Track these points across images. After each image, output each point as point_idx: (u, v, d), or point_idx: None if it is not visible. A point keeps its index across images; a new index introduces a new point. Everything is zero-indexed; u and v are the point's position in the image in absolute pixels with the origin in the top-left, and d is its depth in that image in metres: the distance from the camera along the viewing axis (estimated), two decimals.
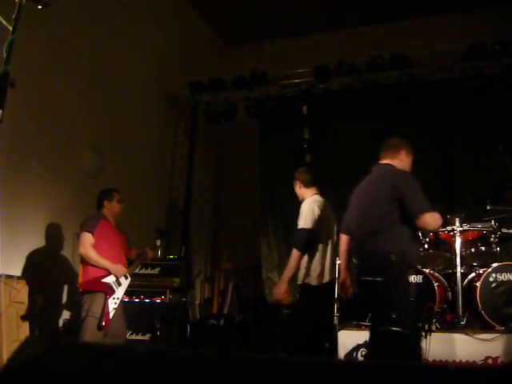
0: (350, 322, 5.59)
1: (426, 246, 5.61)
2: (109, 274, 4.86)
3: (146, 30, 7.38)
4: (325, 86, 7.54)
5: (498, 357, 4.77)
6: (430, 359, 4.93)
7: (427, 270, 5.47)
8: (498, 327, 4.97)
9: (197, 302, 8.14)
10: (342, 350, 5.27)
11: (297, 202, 7.84)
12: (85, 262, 4.85)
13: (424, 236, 5.62)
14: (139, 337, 5.90)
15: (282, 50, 8.52)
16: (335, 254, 5.04)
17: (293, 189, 7.83)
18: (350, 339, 5.29)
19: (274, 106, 7.73)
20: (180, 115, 8.38)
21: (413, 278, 5.43)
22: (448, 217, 5.58)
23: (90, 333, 4.65)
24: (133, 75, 7.15)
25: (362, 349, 5.21)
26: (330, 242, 5.19)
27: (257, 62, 7.89)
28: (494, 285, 5.18)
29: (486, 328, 5.02)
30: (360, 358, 5.21)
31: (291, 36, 8.58)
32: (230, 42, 9.33)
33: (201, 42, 8.89)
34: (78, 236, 5.04)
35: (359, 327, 5.43)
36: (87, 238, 4.81)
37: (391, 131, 7.42)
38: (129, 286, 5.14)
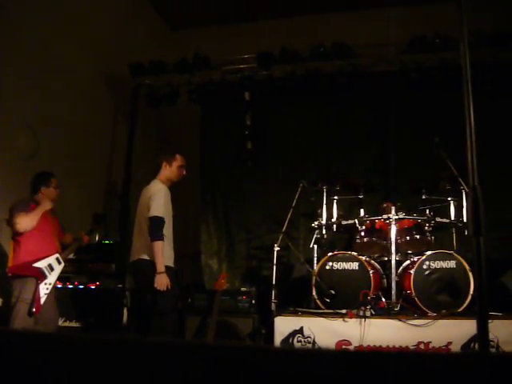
0: (286, 308, 5.62)
1: (363, 233, 5.70)
2: (41, 258, 4.71)
3: (88, 8, 7.14)
4: (268, 73, 7.50)
5: (429, 342, 4.91)
6: (365, 345, 5.04)
7: (363, 258, 5.56)
8: (430, 313, 5.10)
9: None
10: (279, 336, 5.30)
11: (238, 189, 7.89)
12: (16, 246, 4.67)
13: (361, 224, 5.71)
14: (72, 324, 5.75)
15: (226, 35, 8.43)
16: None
17: (235, 176, 7.86)
18: (286, 325, 5.32)
19: (216, 92, 7.65)
20: (120, 98, 8.18)
21: (349, 265, 5.52)
22: (384, 205, 5.69)
23: (20, 319, 4.49)
24: (71, 54, 6.91)
25: (298, 335, 5.26)
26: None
27: (201, 46, 7.78)
28: (427, 272, 5.31)
29: (419, 314, 5.15)
30: (296, 343, 5.25)
31: (236, 22, 8.51)
32: (174, 25, 9.18)
33: (145, 25, 8.69)
34: (6, 222, 4.83)
35: (296, 313, 5.47)
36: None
37: (332, 120, 7.56)
38: (62, 272, 4.99)
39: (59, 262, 4.90)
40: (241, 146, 7.62)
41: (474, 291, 5.20)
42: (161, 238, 4.82)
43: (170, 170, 5.20)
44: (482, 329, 1.74)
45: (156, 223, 4.85)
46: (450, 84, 6.98)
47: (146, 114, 8.28)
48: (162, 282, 4.74)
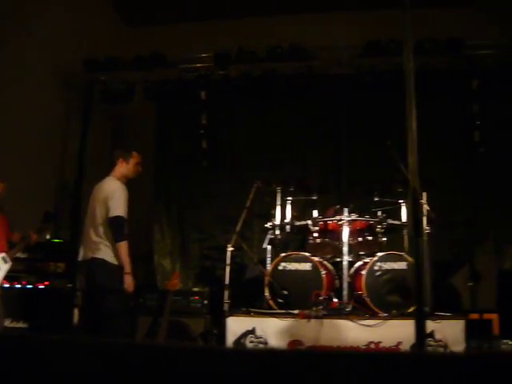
0: (239, 309, 5.62)
1: (316, 234, 5.74)
2: None
3: (44, 2, 6.97)
4: (225, 73, 7.48)
5: (379, 342, 4.98)
6: (317, 345, 5.07)
7: (316, 258, 5.59)
8: (381, 314, 5.17)
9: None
10: (231, 336, 5.28)
11: (193, 189, 7.84)
12: None
13: (314, 225, 5.75)
14: (20, 324, 5.60)
15: (184, 34, 8.36)
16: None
17: (189, 175, 7.81)
18: (239, 325, 5.30)
19: (173, 90, 7.58)
20: (74, 94, 8.01)
21: (301, 266, 5.55)
22: (337, 207, 5.75)
23: None
24: (24, 49, 6.73)
25: (250, 335, 5.25)
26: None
27: (158, 44, 7.70)
28: (378, 273, 5.38)
29: (370, 314, 5.22)
30: (248, 344, 5.24)
31: (194, 21, 8.45)
32: (132, 22, 9.04)
33: (102, 21, 8.53)
34: None
35: (248, 313, 5.46)
36: None
37: (288, 121, 7.60)
38: (10, 271, 4.86)
39: (5, 261, 4.77)
40: (196, 146, 7.57)
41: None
42: (125, 238, 4.77)
43: (126, 167, 5.11)
44: (420, 329, 1.77)
45: (119, 223, 4.78)
46: (403, 88, 7.14)
47: (100, 111, 8.14)
48: (130, 282, 4.71)
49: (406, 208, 1.96)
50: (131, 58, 7.60)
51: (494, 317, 6.12)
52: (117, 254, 4.75)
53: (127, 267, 4.71)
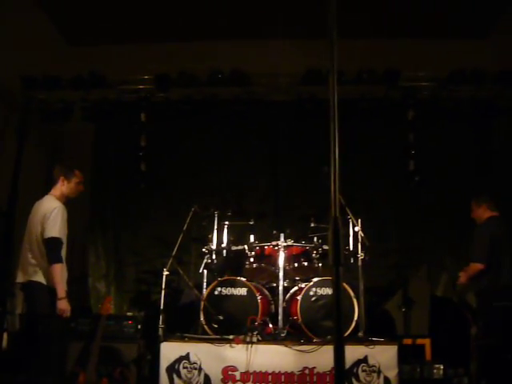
0: (173, 334, 5.53)
1: (252, 259, 5.74)
2: None
3: None
4: (165, 96, 7.45)
5: (314, 367, 4.99)
6: (251, 370, 5.04)
7: (252, 283, 5.59)
8: (315, 339, 5.18)
9: (18, 312, 7.58)
10: (165, 362, 5.19)
11: (130, 211, 7.72)
12: None
13: (250, 250, 5.74)
14: None
15: (125, 55, 8.27)
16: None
17: (127, 197, 7.68)
18: (173, 351, 5.22)
19: (112, 111, 7.48)
20: (11, 112, 7.80)
21: (237, 291, 5.53)
22: (274, 232, 5.77)
23: None
24: None
25: (184, 361, 5.17)
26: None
27: (98, 65, 7.60)
28: (313, 298, 5.41)
29: (305, 340, 5.22)
30: (182, 370, 5.17)
31: (135, 43, 8.38)
32: (73, 42, 8.89)
33: (42, 39, 8.35)
34: None
35: (182, 339, 5.39)
36: None
37: (227, 146, 7.62)
38: None
39: None
40: (134, 168, 7.47)
41: (357, 317, 5.37)
42: (60, 260, 4.57)
43: (67, 186, 4.92)
44: (339, 356, 1.77)
45: (53, 245, 4.57)
46: (341, 115, 7.29)
47: (38, 130, 7.94)
48: (63, 307, 4.51)
49: (327, 236, 1.99)
50: (71, 77, 7.47)
51: (426, 342, 6.24)
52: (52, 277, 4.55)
53: (61, 291, 4.50)
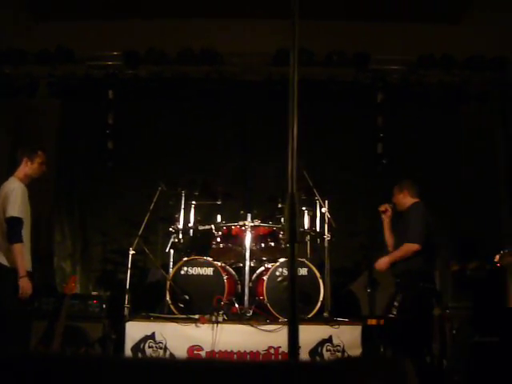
0: (138, 313, 5.51)
1: (219, 239, 5.74)
2: None
3: None
4: (134, 73, 7.33)
5: (279, 347, 5.03)
6: (216, 350, 5.06)
7: (218, 263, 5.59)
8: (281, 319, 5.22)
9: None
10: (130, 342, 5.18)
11: (97, 190, 7.61)
12: None
13: (217, 230, 5.74)
14: None
15: (94, 31, 8.08)
16: None
17: (93, 176, 7.57)
18: (138, 330, 5.21)
19: (79, 87, 7.33)
20: None
21: (203, 271, 5.53)
22: (241, 212, 5.77)
23: None
24: None
25: (149, 340, 5.16)
26: None
27: (66, 40, 7.44)
28: (279, 279, 5.44)
29: (271, 320, 5.26)
30: (147, 349, 5.16)
31: (104, 19, 8.20)
32: (41, 16, 8.67)
33: (8, 13, 8.13)
34: None
35: (148, 318, 5.38)
36: None
37: (196, 124, 7.54)
38: None
39: None
40: (101, 146, 7.35)
41: (323, 298, 5.42)
42: (20, 239, 4.57)
43: (30, 167, 4.90)
44: (293, 335, 1.77)
45: (13, 224, 4.58)
46: (310, 97, 7.31)
47: (1, 106, 7.76)
48: (25, 286, 4.53)
49: (284, 213, 1.98)
50: (37, 52, 7.29)
51: None
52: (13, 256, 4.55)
53: (22, 270, 4.52)
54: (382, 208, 5.65)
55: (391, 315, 5.05)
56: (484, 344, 6.04)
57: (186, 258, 5.66)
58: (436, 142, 7.56)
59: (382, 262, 5.37)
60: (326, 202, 5.67)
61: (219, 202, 6.07)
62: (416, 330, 5.11)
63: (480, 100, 7.53)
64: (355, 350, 5.12)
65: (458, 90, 7.43)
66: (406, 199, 5.50)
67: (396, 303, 5.11)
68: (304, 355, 4.98)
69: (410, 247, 5.15)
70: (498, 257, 5.16)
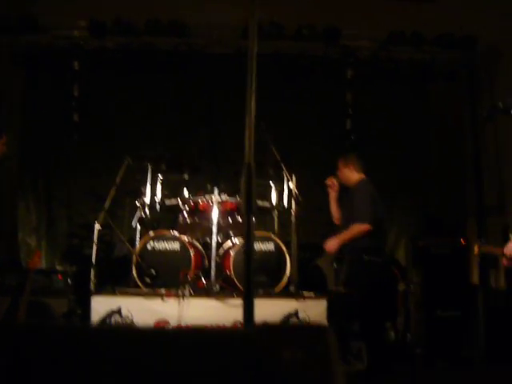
0: (104, 288, 5.46)
1: (186, 214, 5.70)
2: None
3: None
4: (100, 43, 7.17)
5: None
6: (183, 324, 5.05)
7: (185, 238, 5.55)
8: None
9: None
10: (96, 316, 5.13)
11: (62, 164, 7.47)
12: None
13: (184, 204, 5.69)
14: None
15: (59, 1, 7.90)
16: None
17: (59, 149, 7.42)
18: (103, 305, 5.17)
19: (43, 57, 7.14)
20: None
21: (170, 245, 5.49)
22: (209, 187, 5.72)
23: None
24: None
25: (115, 315, 5.13)
26: None
27: (30, 8, 7.22)
28: None
29: (237, 294, 5.26)
30: (113, 324, 5.12)
31: None
32: None
33: None
34: None
35: (114, 293, 5.33)
36: None
37: (164, 97, 7.43)
38: None
39: None
40: (67, 118, 7.20)
41: (289, 272, 5.45)
42: None
43: None
44: (248, 306, 1.77)
45: None
46: (282, 73, 7.27)
47: None
48: None
49: (240, 183, 1.95)
50: None
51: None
52: None
53: None
54: (329, 182, 5.59)
55: (338, 290, 5.06)
56: (447, 318, 6.19)
57: (152, 233, 5.61)
58: (404, 118, 7.60)
59: (332, 244, 5.37)
60: (294, 177, 5.66)
61: (186, 177, 6.01)
62: (365, 304, 5.14)
63: (448, 78, 7.60)
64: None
65: (427, 68, 7.48)
66: (353, 174, 5.47)
67: (342, 278, 5.10)
68: None
69: (360, 228, 5.12)
70: (476, 249, 5.15)
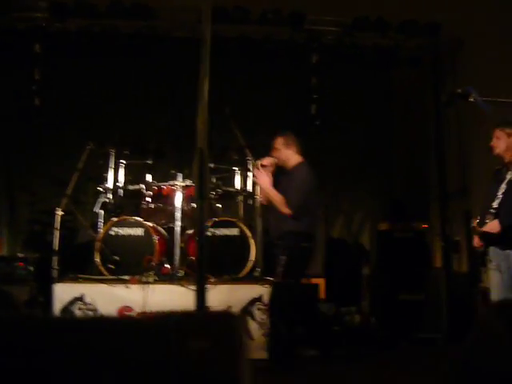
0: (66, 275, 5.41)
1: (149, 199, 5.66)
2: None
3: None
4: (61, 26, 6.99)
5: (209, 306, 5.02)
6: (147, 310, 5.04)
7: (149, 224, 5.53)
8: (212, 279, 5.22)
9: None
10: (58, 304, 5.09)
11: (23, 149, 7.31)
12: None
13: (147, 190, 5.65)
14: None
15: None
16: None
17: (20, 134, 7.25)
18: (66, 292, 5.13)
19: (3, 39, 6.93)
20: None
21: (134, 231, 5.46)
22: (173, 171, 5.69)
23: None
24: None
25: (78, 302, 5.10)
26: None
27: None
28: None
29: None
30: (77, 311, 5.09)
31: None
32: None
33: None
34: None
35: (77, 280, 5.29)
36: None
37: (127, 81, 7.32)
38: None
39: None
40: (28, 102, 7.03)
41: (254, 258, 5.46)
42: None
43: None
44: (200, 291, 1.78)
45: None
46: (247, 57, 7.23)
47: None
48: None
49: (193, 169, 1.91)
50: None
51: (320, 281, 6.48)
52: None
53: None
54: (266, 162, 5.05)
55: (278, 279, 4.86)
56: (410, 301, 6.31)
57: (115, 219, 5.56)
58: (369, 104, 7.66)
59: (264, 181, 4.98)
60: (258, 161, 5.65)
61: (150, 162, 5.96)
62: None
63: (413, 65, 7.68)
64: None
65: (392, 54, 7.52)
66: (293, 156, 5.07)
67: (281, 267, 4.78)
68: None
69: (285, 209, 4.79)
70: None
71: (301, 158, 5.10)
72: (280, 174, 5.13)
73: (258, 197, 5.52)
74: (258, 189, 5.55)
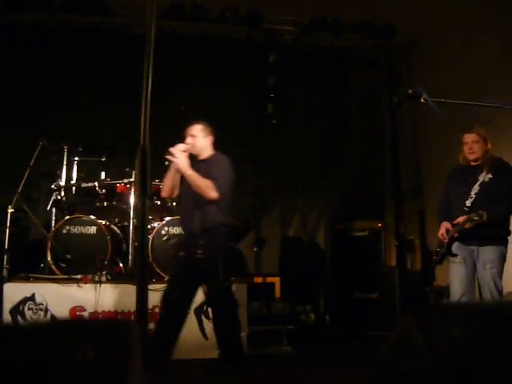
0: (17, 274, 5.30)
1: (103, 197, 5.60)
2: None
3: None
4: (15, 19, 6.83)
5: None
6: (100, 310, 4.99)
7: (102, 222, 5.46)
8: (166, 278, 5.20)
9: None
10: (8, 304, 4.98)
11: None
12: None
13: (101, 187, 5.59)
14: None
15: None
16: None
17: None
18: (16, 292, 5.02)
19: None
20: None
21: (86, 230, 5.38)
22: (127, 169, 5.64)
23: None
24: None
25: (29, 302, 5.00)
26: None
27: None
28: (165, 238, 5.41)
29: (156, 279, 5.22)
30: (27, 311, 5.00)
31: None
32: None
33: None
34: None
35: (27, 279, 5.19)
36: None
37: (82, 77, 7.21)
38: None
39: None
40: None
41: None
42: None
43: None
44: (141, 292, 1.76)
45: None
46: (204, 55, 7.21)
47: None
48: None
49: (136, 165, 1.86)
50: None
51: (276, 280, 6.51)
52: None
53: None
54: (184, 148, 4.53)
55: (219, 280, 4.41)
56: (364, 300, 6.39)
57: (68, 217, 5.48)
58: (325, 104, 7.74)
59: (185, 164, 4.48)
60: None
61: (104, 159, 5.88)
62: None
63: (369, 65, 7.80)
64: (241, 309, 5.19)
65: (348, 54, 7.65)
66: (209, 146, 4.75)
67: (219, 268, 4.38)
68: None
69: (212, 193, 4.37)
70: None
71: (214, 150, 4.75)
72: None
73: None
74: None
